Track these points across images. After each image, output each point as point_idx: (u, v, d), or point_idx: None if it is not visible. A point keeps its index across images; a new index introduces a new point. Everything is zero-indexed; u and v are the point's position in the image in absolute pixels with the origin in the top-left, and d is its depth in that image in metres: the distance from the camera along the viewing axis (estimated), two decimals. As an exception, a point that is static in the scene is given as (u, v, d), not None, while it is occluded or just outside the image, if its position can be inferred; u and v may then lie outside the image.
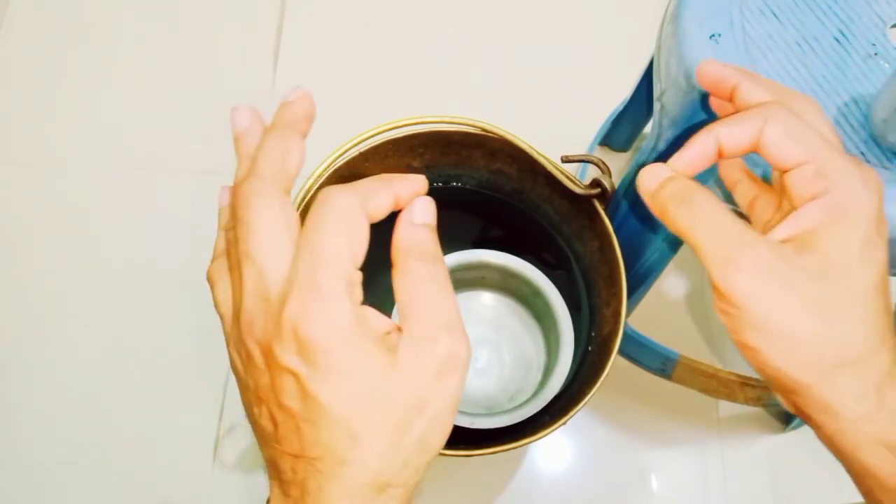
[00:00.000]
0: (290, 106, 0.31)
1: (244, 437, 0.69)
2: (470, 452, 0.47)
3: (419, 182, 0.32)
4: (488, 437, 0.50)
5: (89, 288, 0.74)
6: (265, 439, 0.29)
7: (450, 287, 0.29)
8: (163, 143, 0.81)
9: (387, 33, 0.86)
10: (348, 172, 0.54)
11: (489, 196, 0.59)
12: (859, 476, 0.32)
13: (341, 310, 0.27)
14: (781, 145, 0.31)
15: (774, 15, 0.45)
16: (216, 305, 0.31)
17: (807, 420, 0.32)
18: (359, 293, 0.28)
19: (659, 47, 0.49)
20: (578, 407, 0.48)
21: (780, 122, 0.31)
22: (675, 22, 0.46)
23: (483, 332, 0.57)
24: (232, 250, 0.29)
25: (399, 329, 0.29)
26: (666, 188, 0.33)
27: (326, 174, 0.52)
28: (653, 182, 0.33)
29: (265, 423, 0.28)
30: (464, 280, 0.56)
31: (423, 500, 0.68)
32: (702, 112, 0.44)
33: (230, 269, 0.30)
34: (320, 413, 0.27)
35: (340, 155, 0.51)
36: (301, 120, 0.31)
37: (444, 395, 0.28)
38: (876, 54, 0.44)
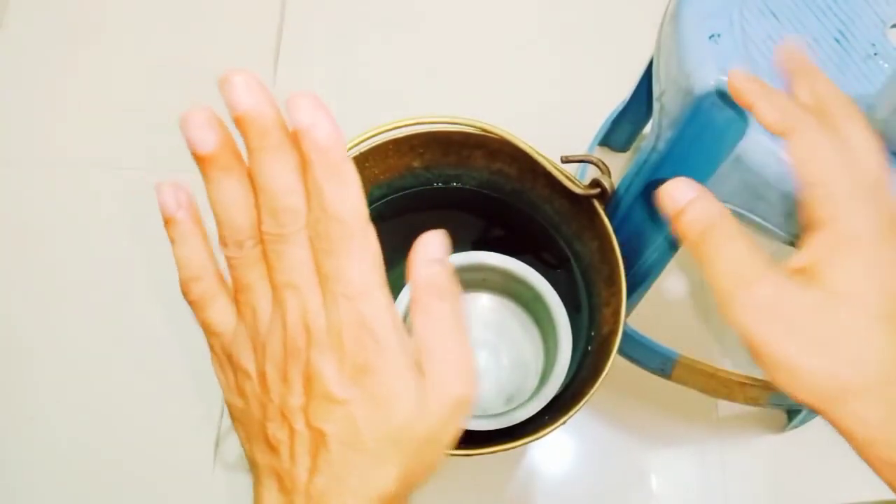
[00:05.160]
0: None
1: (244, 437, 0.69)
2: (469, 452, 0.47)
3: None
4: (488, 437, 0.50)
5: (88, 288, 0.74)
6: (275, 453, 0.30)
7: (464, 323, 0.31)
8: (163, 143, 0.80)
9: (387, 33, 0.86)
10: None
11: (489, 196, 0.59)
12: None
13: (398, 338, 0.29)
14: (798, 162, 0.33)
15: (774, 15, 0.45)
16: (214, 325, 0.33)
17: None
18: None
19: (659, 47, 0.49)
20: (578, 406, 0.48)
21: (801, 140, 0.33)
22: (674, 22, 0.46)
23: (483, 336, 0.57)
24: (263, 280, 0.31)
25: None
26: (690, 210, 0.33)
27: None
28: (681, 198, 0.33)
29: (284, 436, 0.30)
30: (465, 281, 0.56)
31: (423, 499, 0.68)
32: (700, 116, 0.44)
33: (253, 298, 0.31)
34: (356, 436, 0.29)
35: (340, 155, 0.51)
36: None
37: (452, 430, 0.30)
38: (876, 54, 0.44)
